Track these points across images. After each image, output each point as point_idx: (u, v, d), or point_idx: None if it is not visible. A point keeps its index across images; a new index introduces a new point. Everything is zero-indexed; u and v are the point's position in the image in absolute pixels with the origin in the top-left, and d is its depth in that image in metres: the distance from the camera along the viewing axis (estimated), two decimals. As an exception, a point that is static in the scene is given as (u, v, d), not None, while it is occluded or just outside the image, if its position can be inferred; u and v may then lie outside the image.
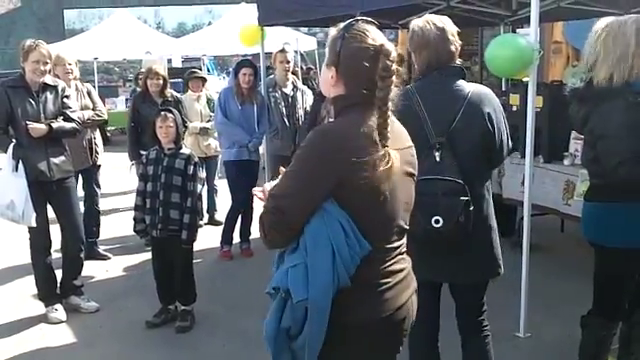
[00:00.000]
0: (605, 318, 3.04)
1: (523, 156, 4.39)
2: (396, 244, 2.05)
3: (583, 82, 2.94)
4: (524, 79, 4.62)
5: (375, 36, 1.99)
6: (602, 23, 2.88)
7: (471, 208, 2.68)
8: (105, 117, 5.97)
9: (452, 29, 2.80)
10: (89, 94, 5.74)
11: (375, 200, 1.93)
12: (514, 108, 5.28)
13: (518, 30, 7.87)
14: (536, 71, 4.05)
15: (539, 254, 5.20)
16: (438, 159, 2.70)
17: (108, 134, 8.37)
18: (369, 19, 2.05)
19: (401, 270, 2.06)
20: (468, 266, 2.83)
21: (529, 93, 4.04)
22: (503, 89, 6.89)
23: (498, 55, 4.01)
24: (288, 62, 6.21)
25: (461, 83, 2.79)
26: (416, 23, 2.83)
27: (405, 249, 2.11)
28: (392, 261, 2.03)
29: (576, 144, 4.83)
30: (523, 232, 4.12)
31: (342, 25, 2.03)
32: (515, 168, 5.31)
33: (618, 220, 2.86)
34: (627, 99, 2.73)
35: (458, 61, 2.83)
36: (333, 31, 2.05)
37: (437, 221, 2.64)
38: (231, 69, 6.68)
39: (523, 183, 4.28)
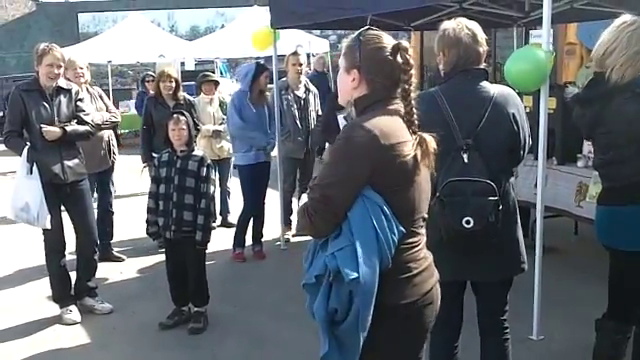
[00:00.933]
0: (620, 321, 3.02)
1: (536, 158, 4.37)
2: (420, 231, 2.17)
3: (581, 88, 2.93)
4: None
5: (388, 38, 2.15)
6: (629, 17, 2.86)
7: (500, 207, 2.70)
8: (119, 119, 6.02)
9: (482, 34, 2.84)
10: (101, 97, 5.78)
11: (406, 185, 2.07)
12: (527, 109, 5.21)
13: (531, 31, 7.84)
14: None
15: (552, 256, 5.16)
16: (466, 160, 2.71)
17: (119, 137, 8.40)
18: (377, 29, 2.19)
19: (425, 258, 2.18)
20: (496, 263, 2.85)
21: (542, 95, 4.02)
22: (517, 91, 6.84)
23: (519, 70, 3.96)
24: (300, 65, 6.22)
25: (485, 84, 2.82)
26: (448, 24, 2.87)
27: (425, 240, 2.21)
28: (416, 249, 2.14)
29: (589, 146, 4.78)
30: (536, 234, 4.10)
31: (354, 34, 2.17)
32: (528, 170, 5.28)
33: (631, 223, 2.84)
34: (634, 91, 2.75)
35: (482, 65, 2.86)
36: (347, 41, 2.18)
37: (468, 222, 2.66)
38: (245, 72, 6.68)
39: (536, 185, 4.26)
